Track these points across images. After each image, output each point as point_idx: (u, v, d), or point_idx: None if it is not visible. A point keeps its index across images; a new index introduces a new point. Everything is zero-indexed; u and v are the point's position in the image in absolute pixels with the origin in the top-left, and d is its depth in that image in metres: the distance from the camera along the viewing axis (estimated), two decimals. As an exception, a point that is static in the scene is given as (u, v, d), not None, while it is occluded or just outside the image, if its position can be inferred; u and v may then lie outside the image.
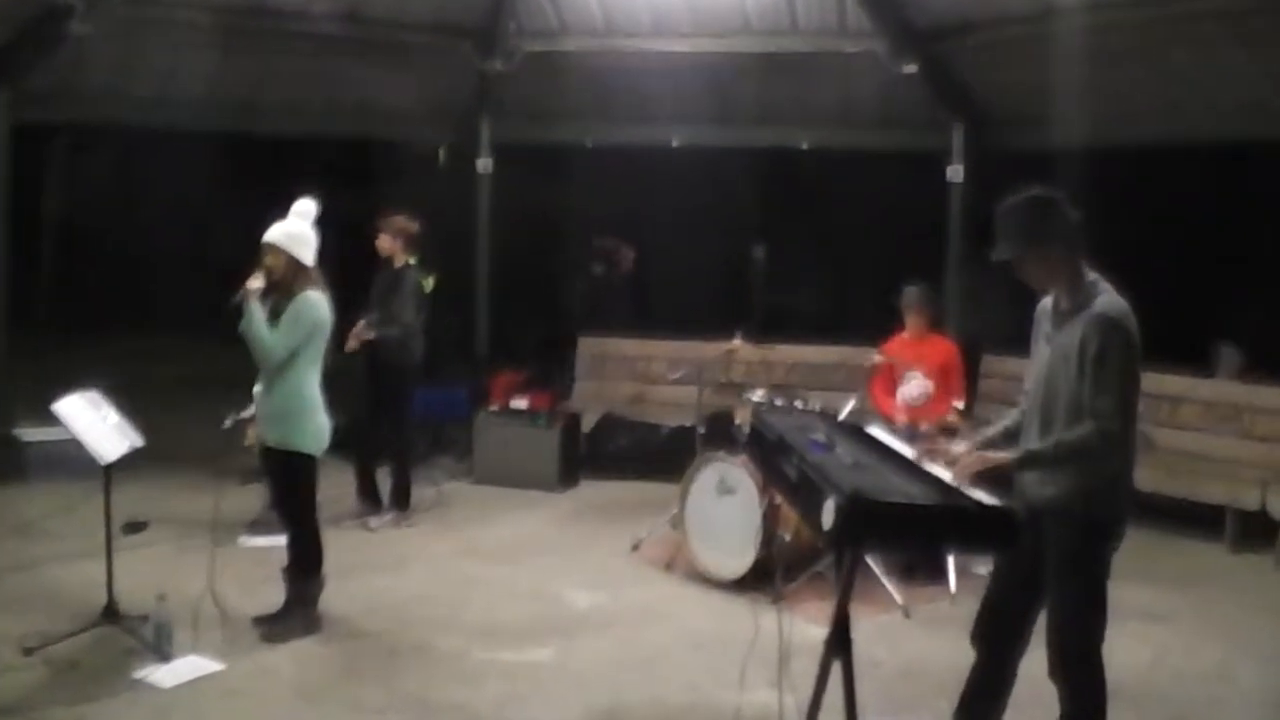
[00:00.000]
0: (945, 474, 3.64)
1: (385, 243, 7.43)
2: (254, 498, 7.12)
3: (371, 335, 7.26)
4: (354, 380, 7.36)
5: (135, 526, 6.82)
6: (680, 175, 11.56)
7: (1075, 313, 3.67)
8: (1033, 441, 3.75)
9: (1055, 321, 3.77)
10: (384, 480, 7.61)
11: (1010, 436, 3.95)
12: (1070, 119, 8.45)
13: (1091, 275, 3.71)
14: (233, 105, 9.28)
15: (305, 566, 5.40)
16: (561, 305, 11.94)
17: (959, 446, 3.92)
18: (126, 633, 5.09)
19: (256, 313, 5.10)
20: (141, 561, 6.25)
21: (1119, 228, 9.03)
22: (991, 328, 8.54)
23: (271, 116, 9.55)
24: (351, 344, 7.18)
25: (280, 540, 5.58)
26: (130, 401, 5.54)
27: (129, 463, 5.21)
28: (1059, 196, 3.70)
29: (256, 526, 6.89)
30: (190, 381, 11.65)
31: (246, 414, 6.60)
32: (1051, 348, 3.74)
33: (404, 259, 7.45)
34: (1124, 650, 4.85)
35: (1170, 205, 9.52)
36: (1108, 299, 3.63)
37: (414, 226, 7.47)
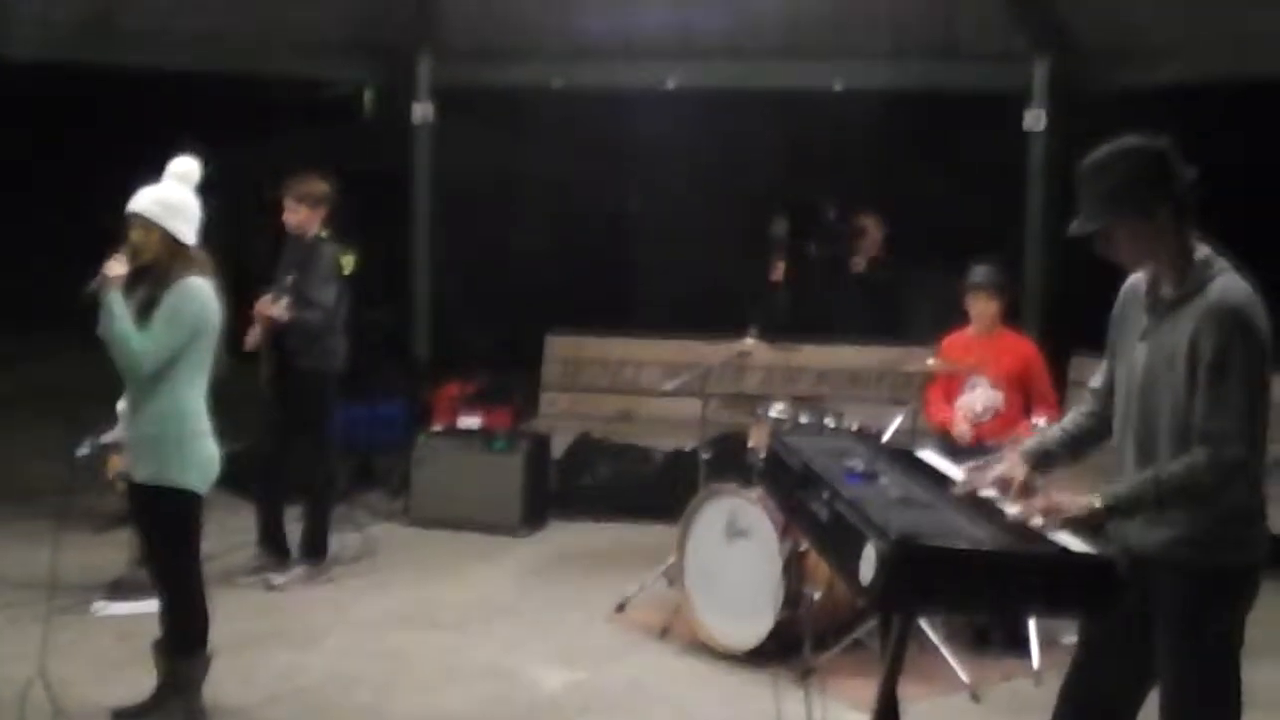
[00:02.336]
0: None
1: (297, 213, 7.38)
2: (116, 550, 7.04)
3: (286, 316, 7.18)
4: (256, 392, 7.31)
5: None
6: (678, 127, 11.53)
7: (1183, 302, 3.58)
8: (1128, 470, 3.67)
9: (1154, 312, 3.67)
10: (293, 524, 7.55)
11: (1074, 444, 3.91)
12: (1188, 48, 8.41)
13: (1204, 251, 3.62)
14: (81, 29, 9.18)
15: (185, 641, 5.32)
16: (524, 294, 11.88)
17: (1010, 466, 3.84)
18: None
19: (117, 307, 5.02)
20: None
21: (1253, 187, 9.02)
22: (1083, 319, 8.50)
23: (135, 45, 9.47)
24: (252, 340, 7.12)
25: (151, 606, 5.51)
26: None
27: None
28: (1165, 148, 3.62)
29: (119, 589, 6.81)
30: (27, 397, 11.59)
31: (109, 438, 6.55)
32: (1149, 347, 3.66)
33: (316, 230, 7.40)
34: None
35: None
36: (1227, 282, 3.54)
37: (324, 185, 7.44)
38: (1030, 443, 3.99)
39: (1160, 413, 3.59)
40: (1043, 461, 3.89)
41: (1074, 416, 3.98)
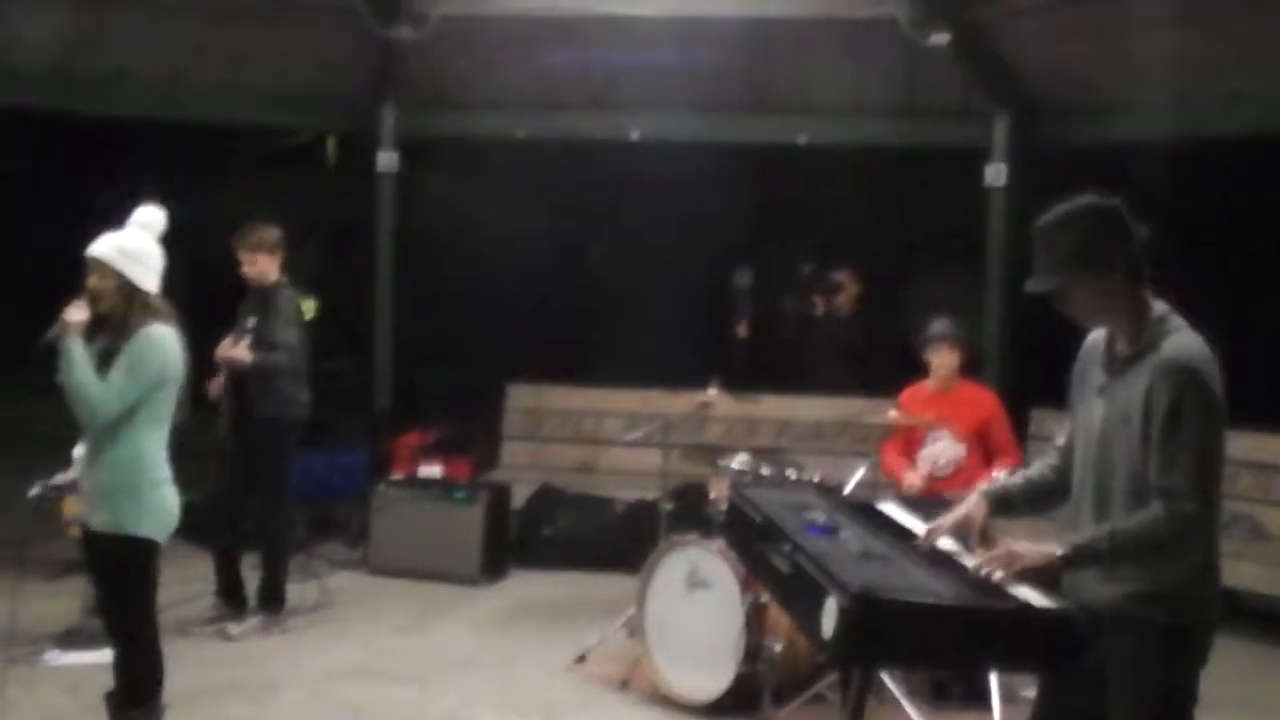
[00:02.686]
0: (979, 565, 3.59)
1: (255, 263, 7.37)
2: (69, 599, 6.99)
3: (248, 358, 7.17)
4: (217, 441, 7.28)
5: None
6: (642, 179, 11.56)
7: (1138, 358, 3.62)
8: (1085, 528, 3.69)
9: (1110, 369, 3.72)
10: (250, 573, 7.50)
11: (1035, 494, 3.94)
12: (1147, 105, 8.50)
13: (1159, 308, 3.67)
14: (41, 75, 9.16)
15: (137, 692, 5.23)
16: (486, 343, 11.87)
17: (970, 506, 3.87)
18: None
19: (77, 354, 4.97)
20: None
21: (1208, 246, 9.12)
22: (1043, 373, 8.55)
23: (96, 92, 9.44)
24: (215, 388, 7.10)
25: (105, 656, 5.44)
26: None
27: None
28: (1119, 206, 3.67)
29: (72, 638, 6.75)
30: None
31: (62, 479, 6.48)
32: (1105, 404, 3.69)
33: (276, 276, 7.40)
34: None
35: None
36: (1181, 339, 3.59)
37: (275, 230, 7.46)
38: (992, 485, 4.01)
39: (1115, 469, 3.61)
40: (1003, 506, 3.92)
41: (1039, 467, 4.00)
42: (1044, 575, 3.54)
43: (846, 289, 9.84)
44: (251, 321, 7.29)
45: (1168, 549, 3.52)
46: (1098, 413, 3.71)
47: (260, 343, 7.25)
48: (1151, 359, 3.57)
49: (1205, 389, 3.51)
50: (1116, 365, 3.69)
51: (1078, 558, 3.58)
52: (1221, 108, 8.47)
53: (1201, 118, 8.60)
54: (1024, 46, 9.11)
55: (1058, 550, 3.55)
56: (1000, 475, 6.81)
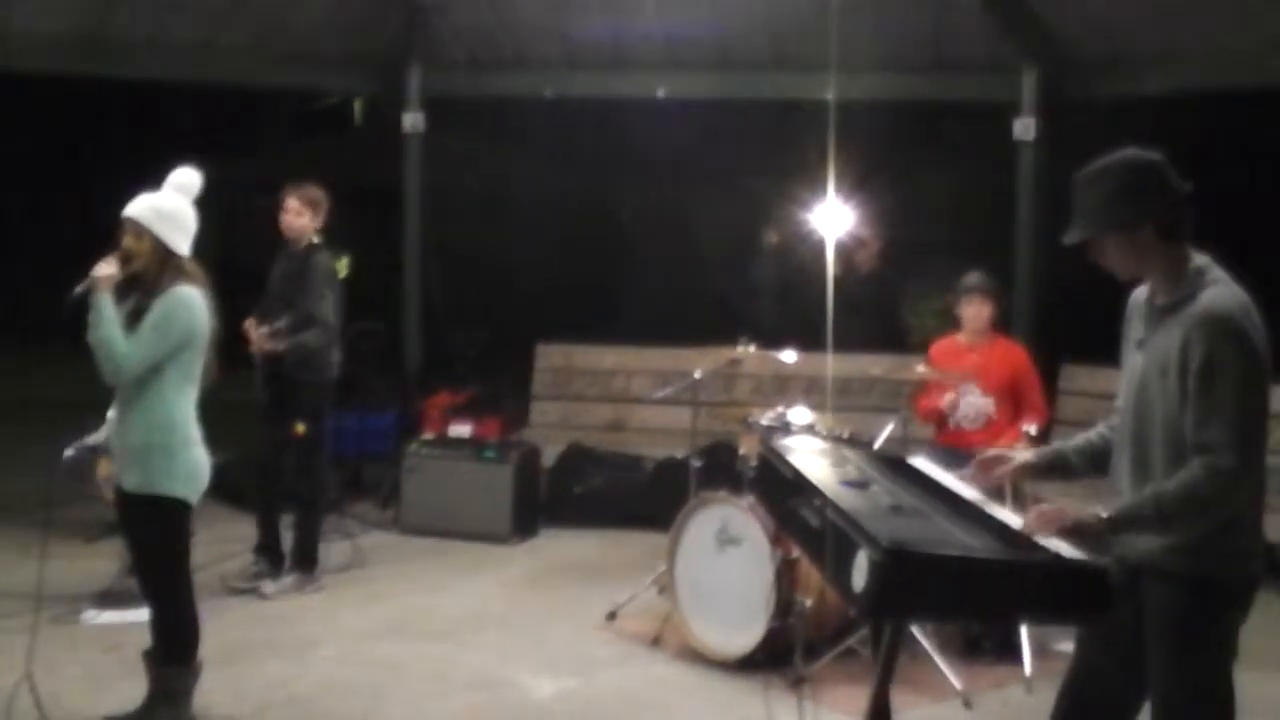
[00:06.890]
0: (1014, 519, 3.57)
1: (301, 215, 7.32)
2: (107, 560, 7.02)
3: (281, 347, 7.16)
4: (247, 402, 7.30)
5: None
6: (668, 137, 11.54)
7: (1174, 310, 3.57)
8: (1123, 481, 3.66)
9: (1150, 321, 3.68)
10: (285, 533, 7.52)
11: (1094, 457, 3.89)
12: (1176, 58, 8.41)
13: (1199, 260, 3.62)
14: (72, 41, 9.16)
15: (175, 650, 5.27)
16: (515, 302, 11.89)
17: (1020, 454, 3.85)
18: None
19: (107, 309, 4.98)
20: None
21: (1246, 196, 9.04)
22: (1074, 328, 8.50)
23: (124, 56, 9.43)
24: (264, 344, 7.07)
25: (141, 615, 5.48)
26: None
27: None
28: (1156, 161, 3.63)
29: (109, 598, 6.78)
30: (11, 408, 11.52)
31: (95, 440, 6.52)
32: (1145, 357, 3.65)
33: (310, 238, 7.37)
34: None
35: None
36: (1219, 291, 3.54)
37: (324, 194, 7.44)
38: (1047, 449, 3.96)
39: (1154, 422, 3.57)
40: (1057, 469, 3.87)
41: (1099, 429, 3.93)
42: (1088, 536, 3.50)
43: (868, 245, 9.82)
44: (283, 323, 7.23)
45: (1212, 505, 3.46)
46: (1137, 365, 3.67)
47: (292, 307, 7.22)
48: (1188, 310, 3.52)
49: (1242, 340, 3.46)
50: (1155, 317, 3.65)
51: (1123, 522, 3.53)
52: (1256, 57, 8.38)
53: (1234, 68, 8.51)
54: (1054, -2, 9.04)
55: (1103, 514, 3.52)
56: (1030, 430, 6.82)
